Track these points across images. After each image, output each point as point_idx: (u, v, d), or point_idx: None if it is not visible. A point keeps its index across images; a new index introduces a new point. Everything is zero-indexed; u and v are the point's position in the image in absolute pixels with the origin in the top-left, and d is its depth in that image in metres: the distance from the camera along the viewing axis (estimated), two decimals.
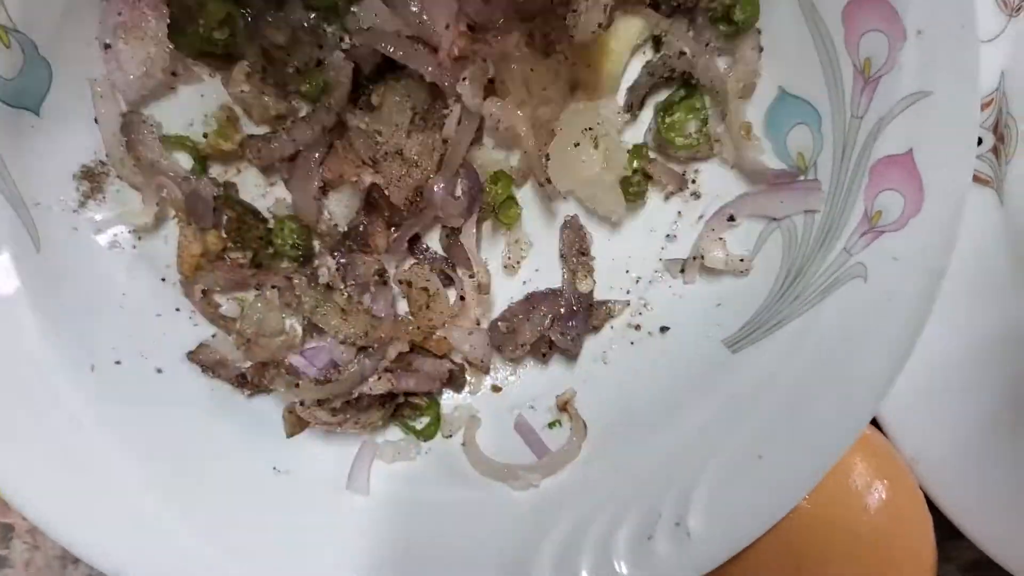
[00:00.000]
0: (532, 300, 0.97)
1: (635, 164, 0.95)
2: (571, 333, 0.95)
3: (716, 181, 0.97)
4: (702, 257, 0.95)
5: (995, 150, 0.99)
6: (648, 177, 0.96)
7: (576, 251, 0.97)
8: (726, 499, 0.87)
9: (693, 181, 0.97)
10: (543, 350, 0.97)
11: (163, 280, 0.95)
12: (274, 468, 0.93)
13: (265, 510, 0.91)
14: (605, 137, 0.91)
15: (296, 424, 0.93)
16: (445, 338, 0.94)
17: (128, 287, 0.93)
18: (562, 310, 0.96)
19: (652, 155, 0.96)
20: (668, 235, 0.98)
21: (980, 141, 0.99)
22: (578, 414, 0.95)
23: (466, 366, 0.98)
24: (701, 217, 0.97)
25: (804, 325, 0.88)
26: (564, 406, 0.95)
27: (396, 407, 0.96)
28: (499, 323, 0.96)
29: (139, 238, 0.95)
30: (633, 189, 0.94)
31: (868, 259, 0.85)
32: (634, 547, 0.87)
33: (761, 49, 0.91)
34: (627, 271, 0.99)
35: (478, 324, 0.96)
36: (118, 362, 0.91)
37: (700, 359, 0.94)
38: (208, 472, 0.90)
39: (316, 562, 0.89)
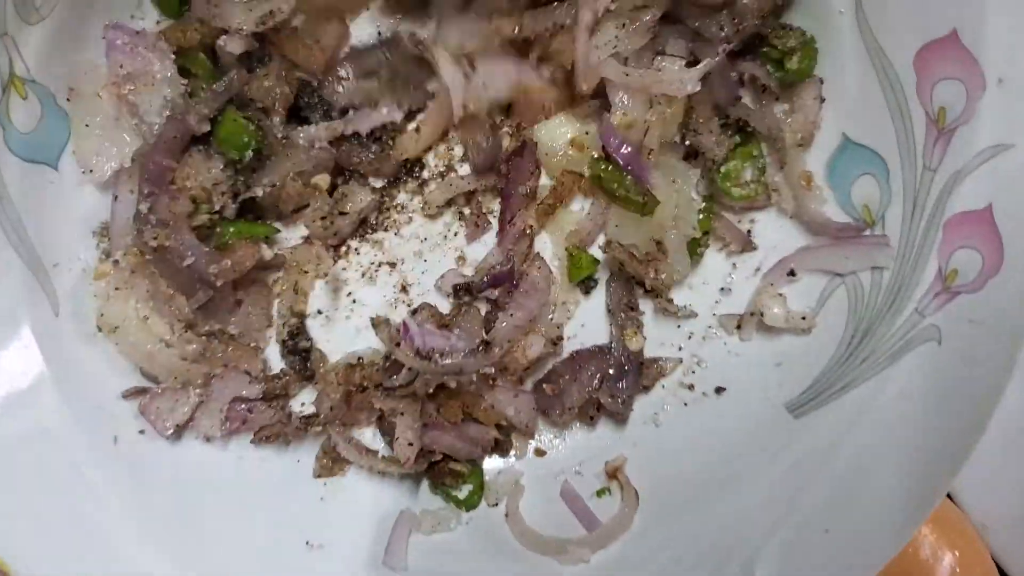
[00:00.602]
0: (578, 359, 0.92)
1: (706, 224, 0.90)
2: (621, 395, 0.90)
3: (774, 232, 0.92)
4: (761, 314, 0.89)
5: None
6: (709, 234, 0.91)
7: (624, 305, 0.92)
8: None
9: (749, 232, 0.92)
10: (591, 413, 0.91)
11: None
12: (307, 543, 0.87)
13: None
14: (679, 192, 0.86)
15: (329, 465, 0.88)
16: (493, 406, 0.89)
17: None
18: (611, 369, 0.90)
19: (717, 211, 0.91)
20: (722, 288, 0.94)
21: None
22: (629, 482, 0.89)
23: (511, 432, 0.92)
24: (758, 270, 0.92)
25: (873, 390, 0.83)
26: (614, 473, 0.90)
27: (436, 471, 0.91)
28: (544, 384, 0.91)
29: None
30: (700, 249, 0.89)
31: (942, 321, 0.79)
32: None
33: (823, 100, 0.87)
34: (678, 326, 0.94)
35: None
36: (142, 432, 0.85)
37: (759, 423, 0.88)
38: (238, 548, 0.85)
39: None
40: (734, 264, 0.93)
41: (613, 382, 0.90)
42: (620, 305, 0.92)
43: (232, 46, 0.85)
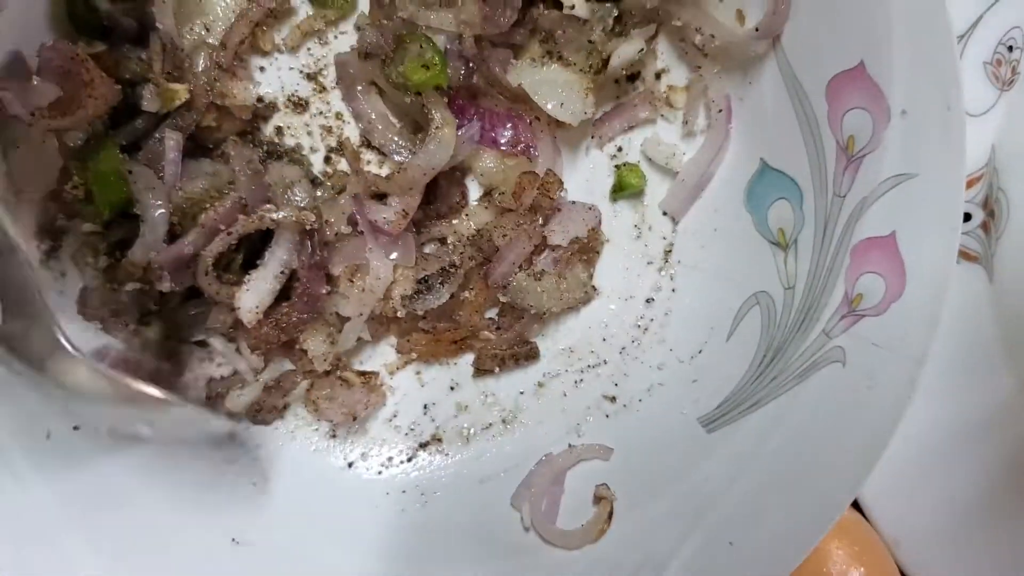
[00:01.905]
0: None
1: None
2: None
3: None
4: None
5: (984, 226, 0.96)
6: None
7: None
8: None
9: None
10: None
11: None
12: (232, 540, 0.90)
13: None
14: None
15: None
16: None
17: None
18: None
19: None
20: (648, 300, 0.96)
21: (969, 217, 0.96)
22: (611, 512, 0.90)
23: None
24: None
25: (781, 408, 0.85)
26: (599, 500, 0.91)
27: None
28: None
29: None
30: None
31: (847, 343, 0.82)
32: None
33: None
34: (604, 339, 0.97)
35: None
36: (76, 428, 0.88)
37: (674, 437, 0.91)
38: (165, 544, 0.87)
39: None
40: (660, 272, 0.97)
41: None
42: None
43: None
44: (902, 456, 0.91)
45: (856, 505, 0.95)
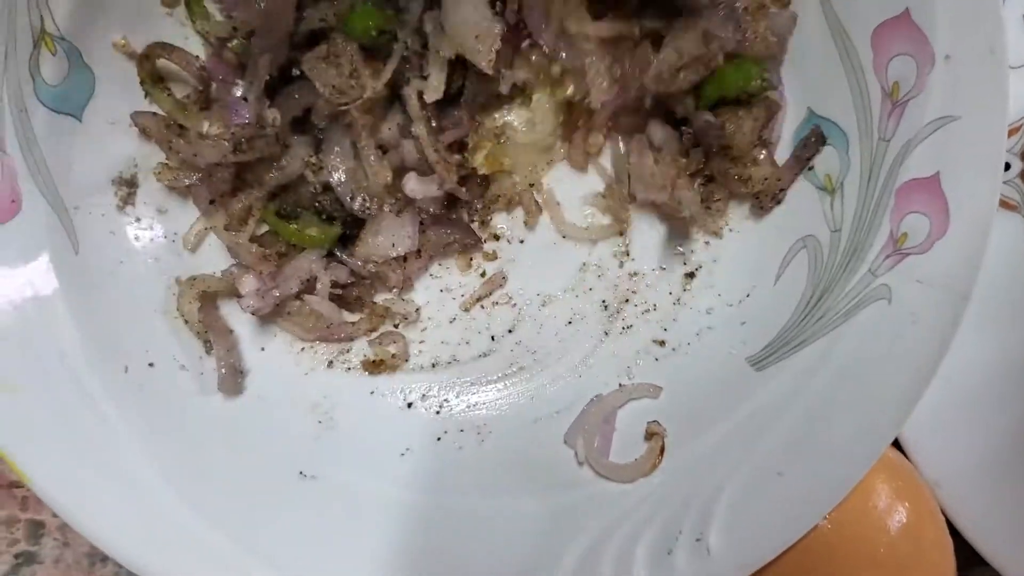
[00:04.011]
0: None
1: None
2: None
3: None
4: None
5: (1023, 175, 0.99)
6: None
7: None
8: (746, 516, 0.87)
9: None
10: None
11: None
12: (300, 472, 0.94)
13: (289, 513, 0.92)
14: None
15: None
16: None
17: (161, 291, 0.95)
18: None
19: None
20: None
21: (1008, 166, 0.99)
22: (663, 447, 0.94)
23: None
24: None
25: (827, 345, 0.88)
26: (651, 436, 0.95)
27: None
28: None
29: (173, 242, 0.96)
30: None
31: (893, 281, 0.85)
32: (654, 561, 0.87)
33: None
34: (648, 285, 1.00)
35: None
36: (151, 364, 0.92)
37: (724, 376, 0.94)
38: (235, 474, 0.92)
39: (338, 565, 0.90)
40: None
41: None
42: None
43: None
44: (943, 398, 0.94)
45: (898, 446, 0.97)
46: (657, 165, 0.93)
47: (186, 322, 0.95)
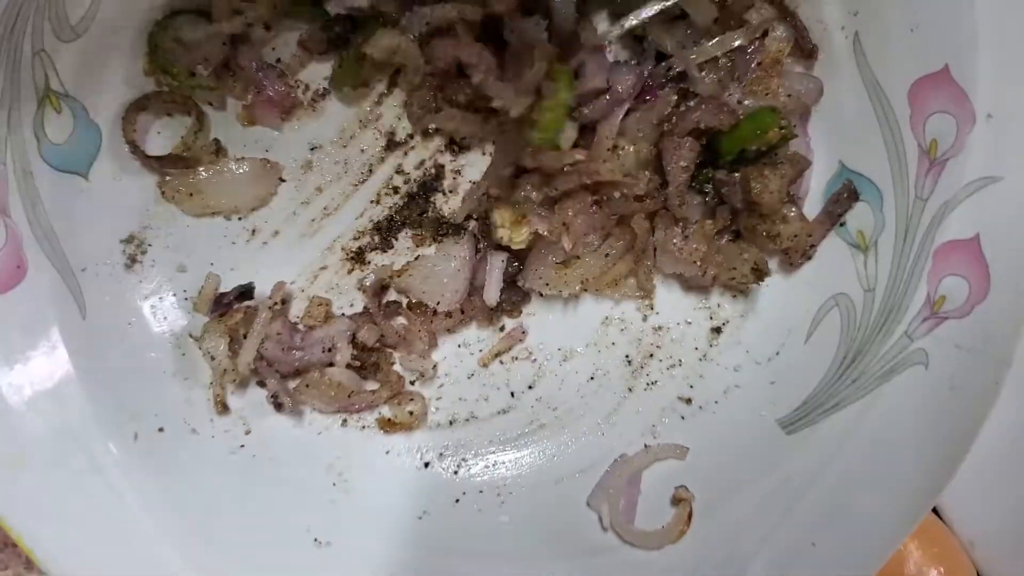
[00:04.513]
0: None
1: None
2: None
3: None
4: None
5: None
6: None
7: None
8: None
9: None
10: None
11: None
12: (315, 540, 0.91)
13: None
14: None
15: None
16: None
17: (171, 352, 0.92)
18: None
19: None
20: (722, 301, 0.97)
21: None
22: (691, 513, 0.91)
23: None
24: None
25: (862, 410, 0.86)
26: (678, 502, 0.92)
27: None
28: None
29: (186, 299, 0.93)
30: None
31: (930, 346, 0.82)
32: None
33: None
34: (675, 339, 0.97)
35: None
36: (161, 429, 0.90)
37: (753, 438, 0.92)
38: (249, 543, 0.89)
39: None
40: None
41: None
42: None
43: None
44: (978, 457, 0.90)
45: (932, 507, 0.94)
46: (685, 241, 0.90)
47: (212, 358, 0.91)
